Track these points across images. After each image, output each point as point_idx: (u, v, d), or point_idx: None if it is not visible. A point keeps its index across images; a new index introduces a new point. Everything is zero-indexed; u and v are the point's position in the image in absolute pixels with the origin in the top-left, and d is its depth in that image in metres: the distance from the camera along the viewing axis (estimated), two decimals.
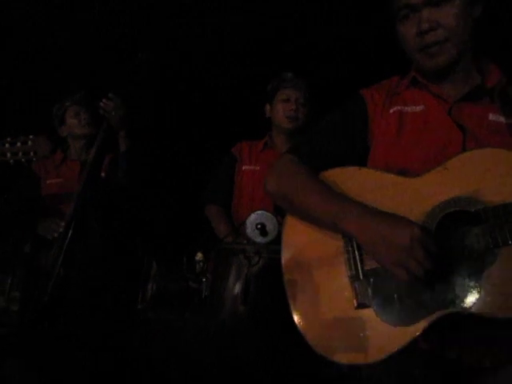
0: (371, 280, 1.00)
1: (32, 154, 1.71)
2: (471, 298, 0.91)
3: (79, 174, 2.29)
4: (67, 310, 1.89)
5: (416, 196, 0.99)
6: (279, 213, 1.59)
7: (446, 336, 0.98)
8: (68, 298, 1.86)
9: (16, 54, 2.96)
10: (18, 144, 1.70)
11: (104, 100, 2.09)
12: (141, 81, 2.09)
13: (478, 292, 0.90)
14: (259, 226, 1.61)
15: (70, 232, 1.69)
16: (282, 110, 2.17)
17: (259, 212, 1.64)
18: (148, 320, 2.40)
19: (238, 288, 1.62)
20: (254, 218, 1.63)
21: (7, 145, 1.70)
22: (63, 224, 1.89)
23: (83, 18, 2.89)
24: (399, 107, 1.13)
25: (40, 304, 1.64)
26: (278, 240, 1.54)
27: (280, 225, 1.62)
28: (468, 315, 0.91)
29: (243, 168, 2.21)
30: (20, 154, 1.70)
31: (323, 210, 1.05)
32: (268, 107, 2.27)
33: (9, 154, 1.69)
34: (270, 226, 1.63)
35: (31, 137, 1.72)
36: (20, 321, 2.35)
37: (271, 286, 1.27)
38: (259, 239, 1.62)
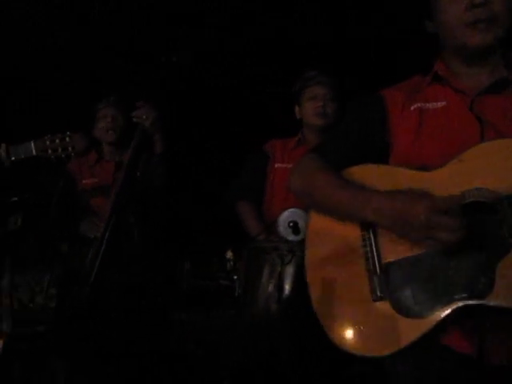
0: (388, 273, 1.02)
1: (70, 149, 1.79)
2: (486, 290, 0.90)
3: (113, 174, 2.33)
4: (104, 309, 1.93)
5: (432, 190, 0.99)
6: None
7: (465, 332, 0.98)
8: (105, 297, 1.89)
9: (56, 54, 3.04)
10: (57, 141, 1.79)
11: (134, 111, 2.12)
12: (172, 83, 2.11)
13: (493, 284, 0.90)
14: (291, 224, 1.60)
15: (109, 231, 1.73)
16: (310, 107, 2.14)
17: (291, 210, 1.63)
18: (180, 319, 2.42)
19: (271, 286, 1.61)
20: (286, 216, 1.62)
21: (48, 142, 1.78)
22: (102, 224, 1.93)
23: (117, 22, 2.95)
24: (420, 104, 1.13)
25: (78, 302, 1.68)
26: None
27: None
28: (483, 307, 0.91)
29: (276, 166, 2.18)
30: (59, 150, 1.79)
31: (342, 202, 1.08)
32: (297, 108, 2.24)
33: (50, 151, 1.78)
34: (303, 223, 1.62)
35: (69, 133, 1.81)
36: (57, 318, 2.41)
37: (304, 284, 1.25)
38: (292, 237, 1.61)
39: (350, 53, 2.87)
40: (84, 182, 2.34)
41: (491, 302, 0.89)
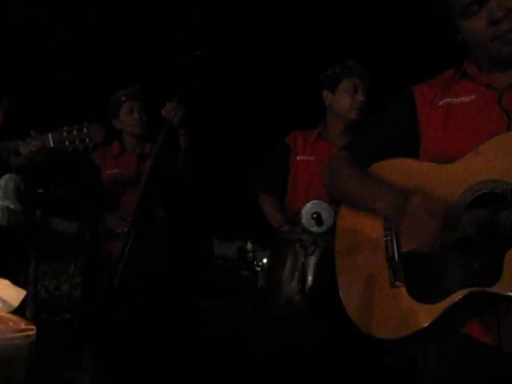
0: (405, 261, 1.08)
1: (88, 141, 1.78)
2: (494, 278, 0.92)
3: (136, 166, 2.36)
4: (132, 298, 1.96)
5: (449, 181, 1.04)
6: (335, 202, 1.56)
7: (485, 321, 1.01)
8: (133, 287, 1.93)
9: (76, 45, 3.07)
10: (75, 132, 1.77)
11: (164, 107, 2.14)
12: (198, 79, 2.12)
13: (501, 272, 0.92)
14: (315, 216, 1.60)
15: (136, 225, 1.75)
16: (349, 100, 2.06)
17: (315, 201, 1.63)
18: (203, 308, 2.45)
19: (294, 278, 1.62)
20: (309, 208, 1.62)
21: (65, 133, 1.77)
22: (129, 218, 1.96)
23: (142, 16, 2.96)
24: (448, 99, 1.15)
25: (106, 291, 1.71)
26: (333, 229, 1.52)
27: (335, 214, 1.61)
28: (497, 296, 0.92)
29: (298, 158, 2.16)
30: (77, 141, 1.77)
31: (362, 196, 1.15)
32: (327, 94, 2.16)
33: (67, 142, 1.76)
34: (326, 215, 1.62)
35: (86, 124, 1.78)
36: (82, 306, 2.47)
37: (328, 275, 1.27)
38: (315, 228, 1.61)
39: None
40: (108, 172, 2.37)
41: (499, 290, 0.91)
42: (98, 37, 3.08)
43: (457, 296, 0.96)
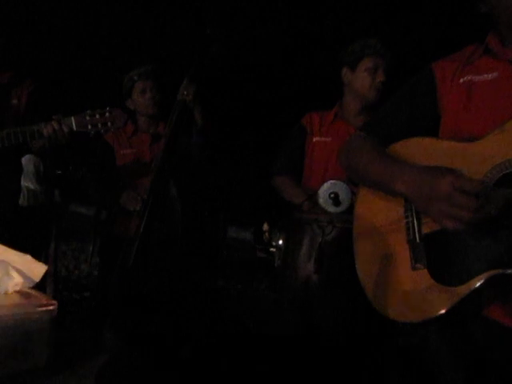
0: (427, 243, 1.05)
1: (110, 125, 1.78)
2: None
3: (149, 146, 2.37)
4: (148, 280, 1.98)
5: (474, 159, 1.01)
6: (352, 182, 1.54)
7: (507, 303, 0.99)
8: (149, 269, 1.95)
9: (88, 29, 3.06)
10: (97, 116, 1.78)
11: (180, 89, 2.11)
12: (212, 58, 2.09)
13: None
14: (332, 196, 1.59)
15: (150, 204, 1.76)
16: (369, 79, 2.01)
17: (332, 181, 1.61)
18: (219, 288, 2.48)
19: (311, 258, 1.61)
20: (327, 187, 1.61)
21: (87, 117, 1.78)
22: (143, 196, 1.97)
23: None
24: (470, 77, 1.12)
25: (121, 270, 1.73)
26: (351, 209, 1.51)
27: (353, 194, 1.60)
28: None
29: (314, 140, 2.13)
30: (99, 125, 1.77)
31: (378, 174, 1.13)
32: (347, 72, 2.09)
33: (89, 126, 1.77)
34: (343, 195, 1.60)
35: (108, 109, 1.79)
36: (100, 284, 2.51)
37: (344, 255, 1.27)
38: (332, 209, 1.59)
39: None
40: (122, 152, 2.38)
41: None
42: (113, 19, 3.07)
43: (480, 278, 0.94)
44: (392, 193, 1.11)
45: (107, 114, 1.78)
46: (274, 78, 3.15)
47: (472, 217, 0.92)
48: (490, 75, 1.09)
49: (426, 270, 1.03)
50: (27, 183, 2.35)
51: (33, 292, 0.82)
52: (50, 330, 0.76)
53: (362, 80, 2.02)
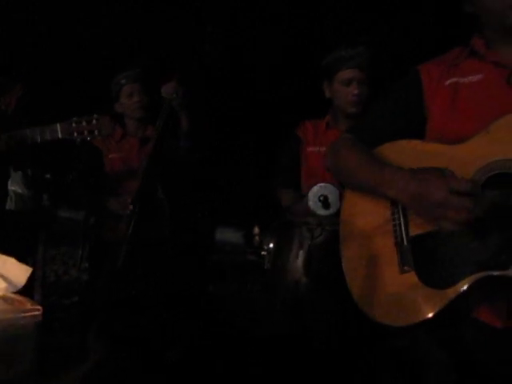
0: (414, 246, 1.05)
1: (96, 132, 1.75)
2: (509, 261, 0.90)
3: (138, 149, 2.36)
4: (136, 282, 1.97)
5: (460, 162, 1.01)
6: (342, 185, 1.55)
7: (494, 304, 1.00)
8: (137, 270, 1.94)
9: (77, 32, 3.04)
10: (84, 123, 1.74)
11: (164, 87, 2.11)
12: (201, 60, 2.09)
13: None
14: (322, 198, 1.59)
15: (138, 207, 1.75)
16: (344, 94, 1.98)
17: (322, 184, 1.62)
18: (209, 292, 2.47)
19: (300, 260, 1.62)
20: (316, 190, 1.61)
21: (74, 124, 1.74)
22: (131, 200, 1.96)
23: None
24: (456, 79, 1.12)
25: (110, 273, 1.73)
26: (340, 212, 1.50)
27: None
28: (504, 279, 0.91)
29: (308, 149, 2.10)
30: (85, 132, 1.74)
31: (367, 178, 1.12)
32: (326, 86, 2.06)
33: (75, 133, 1.73)
34: (333, 198, 1.60)
35: (95, 116, 1.76)
36: (89, 290, 2.49)
37: (334, 258, 1.27)
38: (322, 211, 1.60)
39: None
40: (110, 156, 2.36)
41: None
42: (100, 22, 3.05)
43: (468, 280, 0.94)
44: (382, 196, 1.10)
45: (94, 122, 1.74)
46: (264, 79, 3.15)
47: (469, 217, 0.92)
48: (475, 77, 1.10)
49: (413, 273, 1.03)
50: (15, 187, 2.33)
51: (17, 297, 0.81)
52: (35, 336, 0.74)
53: (337, 94, 1.98)
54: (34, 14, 2.95)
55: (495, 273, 0.92)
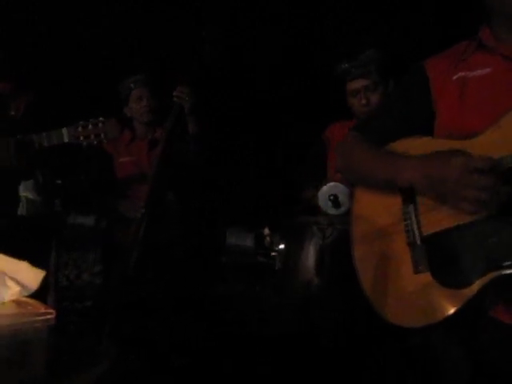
0: (428, 245, 1.03)
1: (103, 135, 1.75)
2: None
3: (147, 152, 2.37)
4: (147, 284, 1.98)
5: None
6: (352, 184, 1.54)
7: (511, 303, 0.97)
8: (148, 272, 1.94)
9: (83, 35, 3.06)
10: (90, 127, 1.74)
11: (178, 89, 2.14)
12: (210, 63, 2.10)
13: None
14: (332, 198, 1.58)
15: (149, 210, 1.75)
16: (355, 104, 2.02)
17: (332, 184, 1.61)
18: (218, 294, 2.47)
19: (311, 260, 1.61)
20: (326, 190, 1.60)
21: (80, 128, 1.74)
22: (142, 204, 1.97)
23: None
24: (463, 73, 1.10)
25: (122, 278, 1.73)
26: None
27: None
28: None
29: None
30: (92, 136, 1.74)
31: (380, 169, 1.11)
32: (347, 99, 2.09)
33: (82, 137, 1.73)
34: (343, 197, 1.59)
35: (101, 119, 1.75)
36: (103, 294, 2.51)
37: (345, 258, 1.26)
38: (332, 211, 1.59)
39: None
40: (120, 160, 2.38)
41: None
42: (100, 22, 3.06)
43: (486, 279, 0.92)
44: (395, 186, 1.08)
45: (100, 125, 1.74)
46: (273, 78, 3.13)
47: (490, 196, 0.90)
48: (483, 71, 1.08)
49: (428, 273, 1.01)
50: (26, 193, 2.35)
51: (30, 301, 0.81)
52: (47, 340, 0.75)
53: (350, 103, 2.03)
54: (33, 14, 2.98)
55: (508, 271, 0.89)
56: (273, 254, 2.14)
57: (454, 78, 1.10)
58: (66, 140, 1.73)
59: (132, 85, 2.38)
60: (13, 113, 2.00)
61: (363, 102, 1.95)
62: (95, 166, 2.41)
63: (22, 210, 2.12)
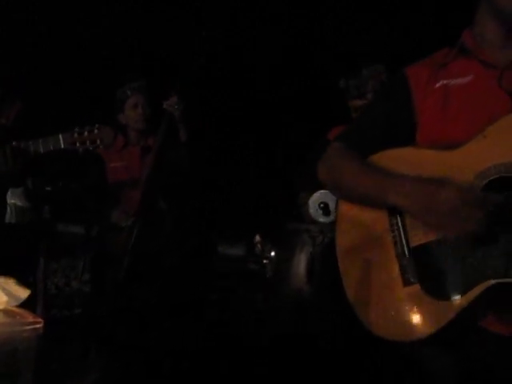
0: (417, 257, 1.01)
1: (98, 142, 1.76)
2: None
3: (140, 159, 2.37)
4: (138, 291, 1.97)
5: (457, 167, 0.98)
6: None
7: (500, 313, 0.97)
8: (139, 281, 1.93)
9: (77, 44, 3.05)
10: (86, 133, 1.75)
11: (167, 101, 2.17)
12: (201, 72, 2.12)
13: None
14: (322, 205, 1.59)
15: (140, 219, 1.75)
16: (354, 108, 2.11)
17: (322, 191, 1.62)
18: (210, 301, 2.46)
19: (302, 267, 1.61)
20: (316, 198, 1.61)
21: (76, 134, 1.75)
22: (133, 211, 1.97)
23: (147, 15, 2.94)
24: (445, 81, 1.08)
25: (113, 286, 1.72)
26: None
27: None
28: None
29: None
30: (88, 142, 1.75)
31: (368, 188, 1.08)
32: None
33: (78, 143, 1.74)
34: (333, 205, 1.60)
35: (97, 126, 1.77)
36: (92, 301, 2.49)
37: (335, 265, 1.25)
38: (322, 218, 1.60)
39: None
40: (112, 165, 2.38)
41: None
42: (105, 31, 3.06)
43: (477, 290, 0.91)
44: (383, 205, 1.06)
45: (96, 131, 1.76)
46: (273, 78, 3.13)
47: (477, 228, 0.91)
48: (465, 79, 1.07)
49: (417, 285, 0.99)
50: (15, 200, 2.33)
51: (18, 310, 0.81)
52: (36, 349, 0.74)
53: (353, 116, 2.09)
54: (33, 14, 2.96)
55: (504, 280, 0.89)
56: (264, 261, 2.14)
57: (437, 86, 1.09)
58: (62, 146, 1.74)
59: (129, 91, 2.38)
60: (3, 120, 1.99)
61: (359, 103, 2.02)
62: (89, 171, 2.41)
63: (10, 218, 2.10)
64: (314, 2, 2.90)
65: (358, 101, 2.05)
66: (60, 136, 1.74)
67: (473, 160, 0.97)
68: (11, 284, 0.85)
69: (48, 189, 2.42)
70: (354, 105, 2.06)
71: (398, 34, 2.80)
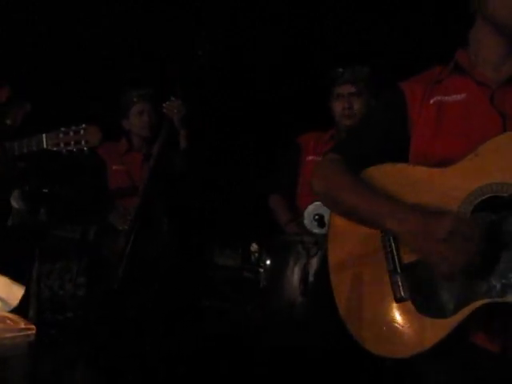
0: (409, 273, 1.01)
1: (83, 143, 1.68)
2: (507, 288, 0.89)
3: (141, 164, 2.37)
4: (134, 296, 1.97)
5: (449, 186, 0.99)
6: None
7: (491, 330, 0.97)
8: (135, 285, 1.93)
9: (80, 42, 3.06)
10: (71, 134, 1.69)
11: (167, 102, 2.17)
12: (201, 76, 2.14)
13: None
14: (317, 217, 1.60)
15: (138, 223, 1.75)
16: (338, 108, 2.12)
17: (317, 203, 1.63)
18: (204, 308, 2.46)
19: (296, 279, 1.62)
20: (312, 209, 1.62)
21: (61, 134, 1.69)
22: (131, 216, 1.97)
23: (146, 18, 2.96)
24: (439, 97, 1.10)
25: (108, 290, 1.72)
26: None
27: None
28: (507, 305, 0.90)
29: (307, 158, 2.17)
30: (72, 143, 1.68)
31: (365, 210, 1.07)
32: (330, 103, 2.21)
33: (62, 144, 1.68)
34: (328, 216, 1.60)
35: (84, 126, 1.70)
36: (86, 305, 2.48)
37: (329, 278, 1.25)
38: (317, 230, 1.61)
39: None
40: (114, 168, 2.38)
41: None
42: (105, 35, 3.07)
43: (471, 307, 0.91)
44: (378, 228, 1.07)
45: (82, 132, 1.68)
46: (273, 78, 3.13)
47: (468, 261, 0.91)
48: (458, 96, 1.09)
49: (409, 302, 0.99)
50: (13, 202, 2.33)
51: (10, 316, 0.81)
52: (28, 355, 0.74)
53: (334, 109, 2.12)
54: (33, 14, 2.97)
55: (495, 300, 0.90)
56: (260, 270, 2.14)
57: (431, 101, 1.10)
58: (44, 146, 1.67)
59: (135, 99, 2.38)
60: (9, 122, 1.98)
61: (346, 105, 2.06)
62: (90, 172, 2.41)
63: (9, 220, 2.10)
64: (314, 2, 2.92)
65: (350, 86, 2.06)
66: (43, 136, 1.68)
67: (464, 179, 0.98)
68: (4, 286, 0.85)
69: (44, 191, 2.43)
70: (341, 91, 2.07)
71: (398, 34, 2.82)
